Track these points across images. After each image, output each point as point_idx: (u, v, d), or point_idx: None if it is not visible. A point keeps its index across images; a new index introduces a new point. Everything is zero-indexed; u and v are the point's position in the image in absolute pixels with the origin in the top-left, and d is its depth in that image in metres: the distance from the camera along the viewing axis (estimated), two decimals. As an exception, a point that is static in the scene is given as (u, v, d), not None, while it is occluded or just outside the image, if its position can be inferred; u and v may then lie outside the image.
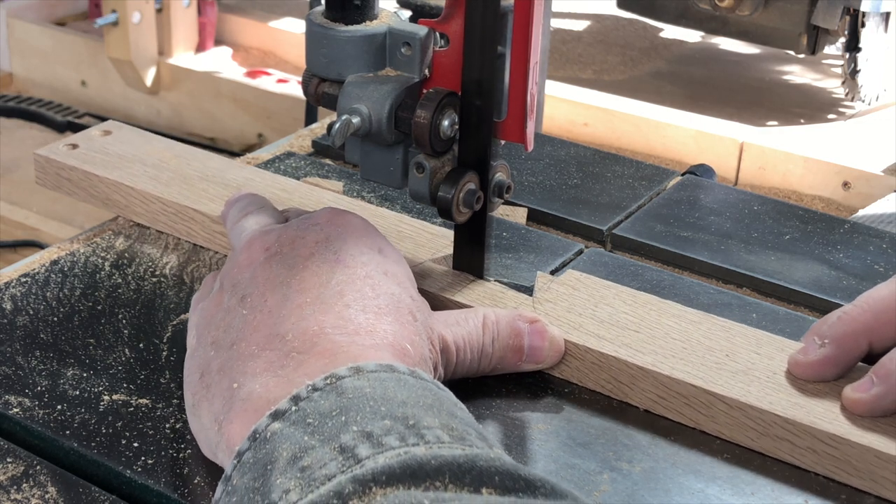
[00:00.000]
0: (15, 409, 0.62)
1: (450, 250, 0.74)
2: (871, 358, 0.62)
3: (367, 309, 0.58)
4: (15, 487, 0.57)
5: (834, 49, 1.50)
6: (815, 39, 1.44)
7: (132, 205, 0.83)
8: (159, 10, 1.92)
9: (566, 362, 0.66)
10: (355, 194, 0.86)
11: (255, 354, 0.56)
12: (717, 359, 0.64)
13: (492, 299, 0.70)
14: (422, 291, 0.65)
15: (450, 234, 0.76)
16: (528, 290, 0.71)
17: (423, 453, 0.46)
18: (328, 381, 0.51)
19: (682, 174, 0.96)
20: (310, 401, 0.50)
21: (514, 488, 0.44)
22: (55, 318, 0.71)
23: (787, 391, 0.61)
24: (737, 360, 0.64)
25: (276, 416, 0.50)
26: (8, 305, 0.72)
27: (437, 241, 0.76)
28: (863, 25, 1.42)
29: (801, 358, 0.62)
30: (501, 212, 0.85)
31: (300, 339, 0.56)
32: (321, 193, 0.83)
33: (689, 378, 0.62)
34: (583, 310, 0.68)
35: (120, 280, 0.76)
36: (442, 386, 0.54)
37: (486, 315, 0.65)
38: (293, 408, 0.50)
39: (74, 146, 0.87)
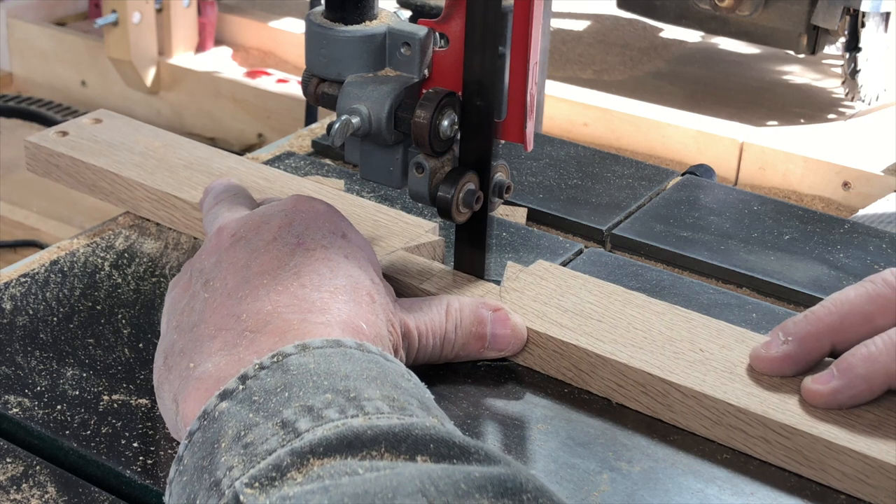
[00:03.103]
0: (15, 409, 0.62)
1: (423, 239, 0.75)
2: (836, 357, 0.62)
3: (322, 288, 0.58)
4: (15, 487, 0.57)
5: (834, 49, 1.51)
6: (815, 39, 1.44)
7: (117, 191, 0.83)
8: (159, 10, 1.92)
9: (529, 350, 0.66)
10: (355, 194, 0.86)
11: (213, 335, 0.56)
12: (677, 348, 0.64)
13: (459, 288, 0.70)
14: (388, 278, 0.65)
15: (424, 223, 0.77)
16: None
17: (361, 424, 0.46)
18: (274, 360, 0.52)
19: (682, 174, 0.96)
20: (256, 379, 0.51)
21: (448, 455, 0.45)
22: (55, 318, 0.71)
23: (742, 381, 0.62)
24: (696, 350, 0.64)
25: (224, 395, 0.51)
26: (8, 305, 0.72)
27: (411, 230, 0.76)
28: (863, 25, 1.42)
29: (762, 352, 0.63)
30: (501, 212, 0.85)
31: (254, 318, 0.56)
32: (301, 182, 0.83)
33: (647, 367, 0.63)
34: (548, 299, 0.69)
35: (120, 280, 0.76)
36: (391, 357, 0.54)
37: (450, 302, 0.65)
38: (240, 387, 0.51)
39: (64, 133, 0.88)
